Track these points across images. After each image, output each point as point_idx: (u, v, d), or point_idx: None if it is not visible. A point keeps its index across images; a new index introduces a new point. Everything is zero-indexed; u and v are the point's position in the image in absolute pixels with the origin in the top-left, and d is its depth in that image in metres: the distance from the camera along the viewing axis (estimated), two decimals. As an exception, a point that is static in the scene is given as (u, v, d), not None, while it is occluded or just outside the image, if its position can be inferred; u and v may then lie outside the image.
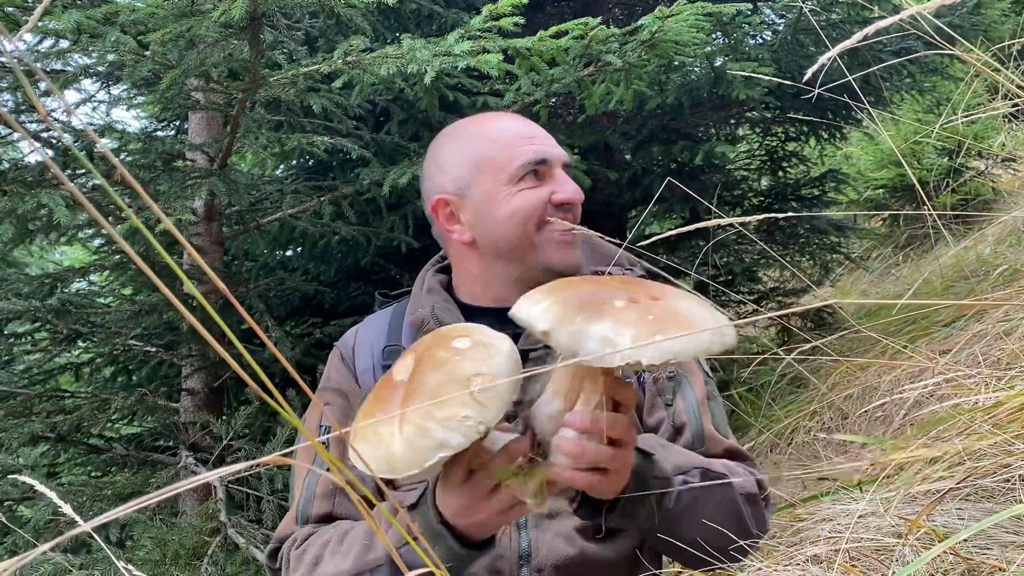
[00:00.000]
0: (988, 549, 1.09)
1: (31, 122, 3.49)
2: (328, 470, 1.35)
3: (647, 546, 1.43)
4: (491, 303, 1.46)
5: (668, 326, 0.91)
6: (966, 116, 4.13)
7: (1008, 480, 1.27)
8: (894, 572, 1.05)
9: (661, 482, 1.22)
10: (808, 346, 2.94)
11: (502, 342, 1.06)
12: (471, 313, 1.44)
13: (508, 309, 1.39)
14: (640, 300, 0.95)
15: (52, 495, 0.83)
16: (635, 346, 0.91)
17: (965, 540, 1.09)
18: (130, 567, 0.88)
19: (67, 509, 0.80)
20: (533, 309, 0.99)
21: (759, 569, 1.33)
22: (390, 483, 1.29)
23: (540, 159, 1.38)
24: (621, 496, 1.17)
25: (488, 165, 1.41)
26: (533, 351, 1.41)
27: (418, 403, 0.97)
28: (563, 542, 1.33)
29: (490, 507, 1.09)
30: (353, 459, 0.98)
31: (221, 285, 0.59)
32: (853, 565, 1.14)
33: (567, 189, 1.38)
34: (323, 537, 1.34)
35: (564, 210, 1.39)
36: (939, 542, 0.96)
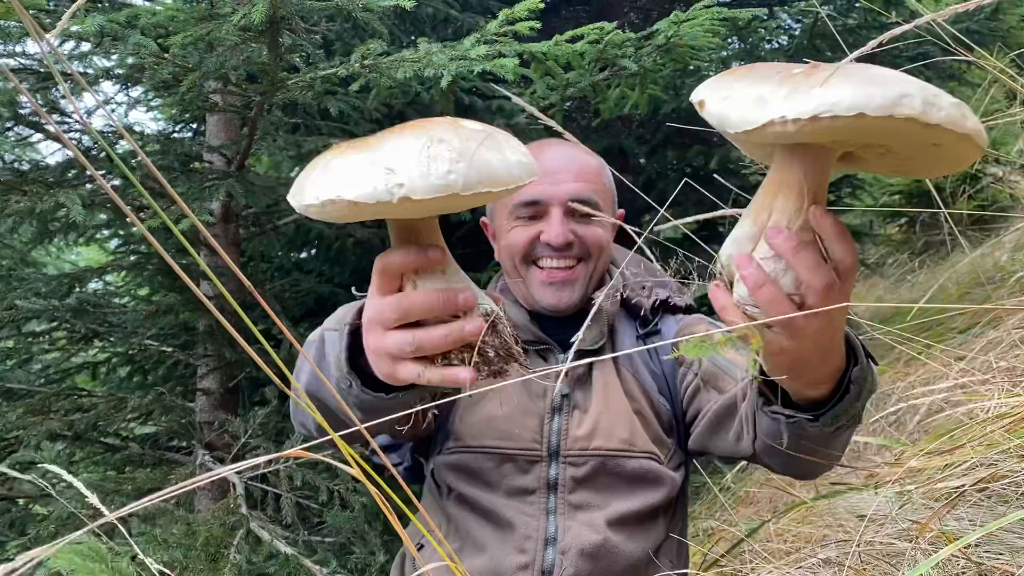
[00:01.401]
0: (1000, 554, 1.09)
1: (52, 124, 3.53)
2: None
3: (667, 540, 1.46)
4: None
5: (834, 80, 0.70)
6: (983, 122, 4.11)
7: (1021, 485, 1.27)
8: (904, 575, 1.05)
9: (870, 391, 1.02)
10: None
11: (518, 152, 0.84)
12: (537, 316, 1.54)
13: (567, 315, 1.49)
14: (822, 66, 0.74)
15: (80, 484, 0.85)
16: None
17: (977, 544, 1.09)
18: (150, 560, 0.90)
19: (93, 499, 0.82)
20: (700, 85, 0.81)
21: (771, 571, 1.33)
22: None
23: (529, 200, 1.47)
24: (833, 400, 0.97)
25: (499, 203, 1.54)
26: (588, 351, 1.48)
27: (370, 143, 0.80)
28: (590, 530, 1.38)
29: (389, 342, 0.90)
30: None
31: (248, 284, 0.61)
32: (864, 568, 1.15)
33: (550, 232, 1.44)
34: None
35: (555, 249, 1.46)
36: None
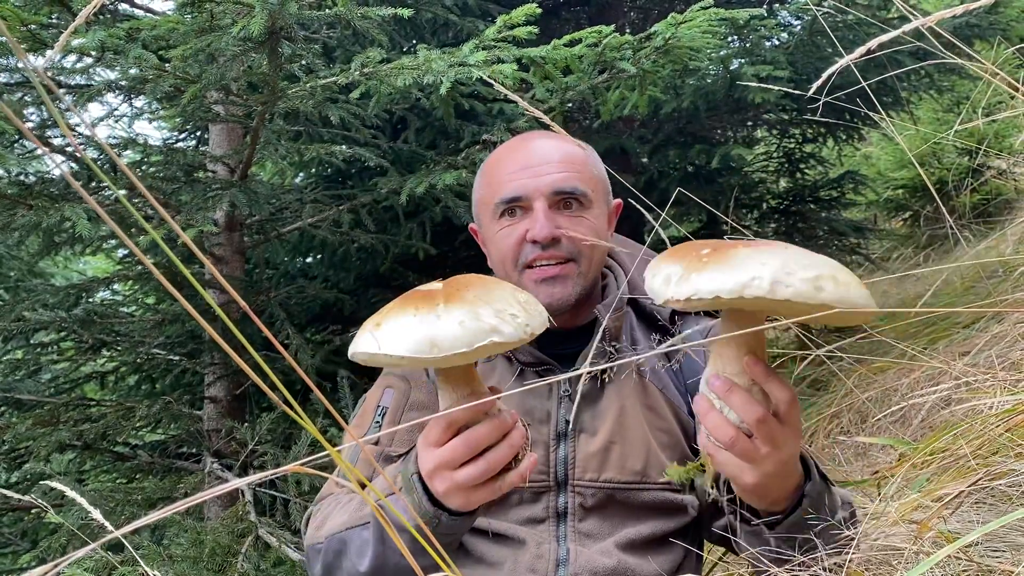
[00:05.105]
0: (1000, 552, 1.09)
1: (56, 137, 3.55)
2: (377, 443, 1.42)
3: (687, 559, 1.42)
4: None
5: (710, 267, 0.88)
6: (986, 118, 4.10)
7: (1022, 484, 1.27)
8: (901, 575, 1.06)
9: (827, 513, 1.10)
10: (826, 349, 2.94)
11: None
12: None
13: (563, 331, 1.44)
14: (721, 248, 0.92)
15: (83, 500, 0.86)
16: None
17: (977, 544, 1.10)
18: (155, 572, 0.91)
19: (97, 515, 0.83)
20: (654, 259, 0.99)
21: (774, 572, 1.33)
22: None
23: (509, 198, 1.40)
24: (786, 513, 1.08)
25: (481, 205, 1.50)
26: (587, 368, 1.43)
27: (464, 297, 0.98)
28: (602, 555, 1.33)
29: (462, 476, 1.04)
30: (371, 344, 0.96)
31: (238, 298, 0.62)
32: (865, 568, 1.15)
33: (535, 227, 1.37)
34: (337, 498, 1.39)
35: (543, 247, 1.38)
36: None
